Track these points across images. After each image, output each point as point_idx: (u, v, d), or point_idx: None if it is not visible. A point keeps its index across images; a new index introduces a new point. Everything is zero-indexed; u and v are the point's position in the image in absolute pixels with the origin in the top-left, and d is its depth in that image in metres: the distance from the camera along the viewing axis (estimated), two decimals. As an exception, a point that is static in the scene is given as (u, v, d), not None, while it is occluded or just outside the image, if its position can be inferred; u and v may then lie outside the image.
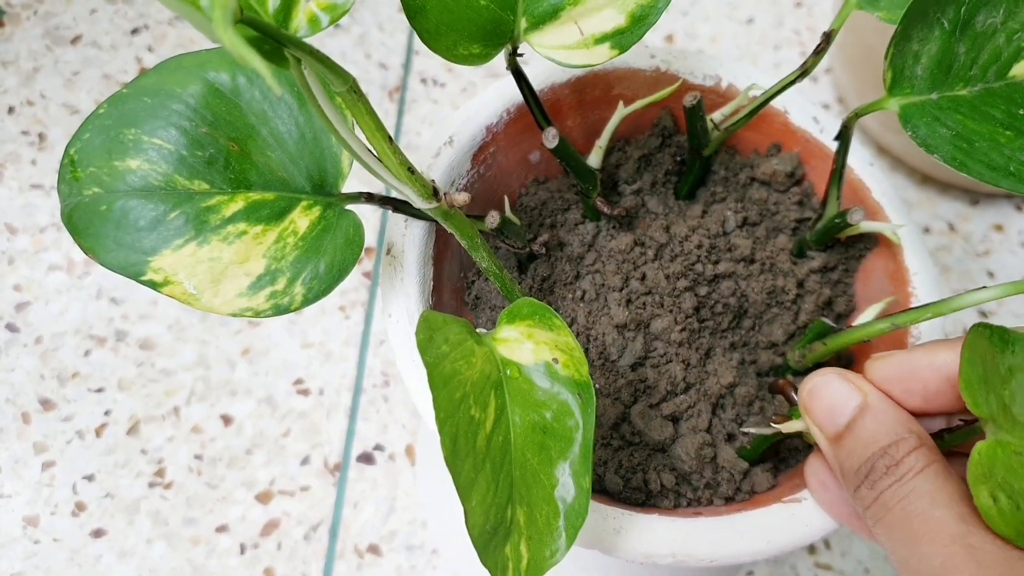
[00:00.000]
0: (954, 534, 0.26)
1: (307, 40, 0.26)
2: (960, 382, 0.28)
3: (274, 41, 0.25)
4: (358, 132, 0.31)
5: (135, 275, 0.32)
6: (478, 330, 0.32)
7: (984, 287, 0.32)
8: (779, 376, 0.41)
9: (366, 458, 0.59)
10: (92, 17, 0.75)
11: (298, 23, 0.28)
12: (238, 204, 0.34)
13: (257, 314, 0.33)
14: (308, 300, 0.34)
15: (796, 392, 0.38)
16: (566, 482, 0.30)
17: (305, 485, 0.58)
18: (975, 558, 0.25)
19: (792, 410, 0.38)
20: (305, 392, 0.61)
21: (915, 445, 0.29)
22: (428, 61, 0.75)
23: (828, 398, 0.32)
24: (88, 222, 0.33)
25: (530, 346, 0.32)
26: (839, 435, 0.32)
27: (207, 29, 0.21)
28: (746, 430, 0.39)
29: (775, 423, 0.37)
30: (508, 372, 0.31)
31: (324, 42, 0.75)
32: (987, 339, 0.30)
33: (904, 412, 0.31)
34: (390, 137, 0.30)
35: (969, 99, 0.36)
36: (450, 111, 0.73)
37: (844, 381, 0.32)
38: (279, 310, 0.33)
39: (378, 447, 0.60)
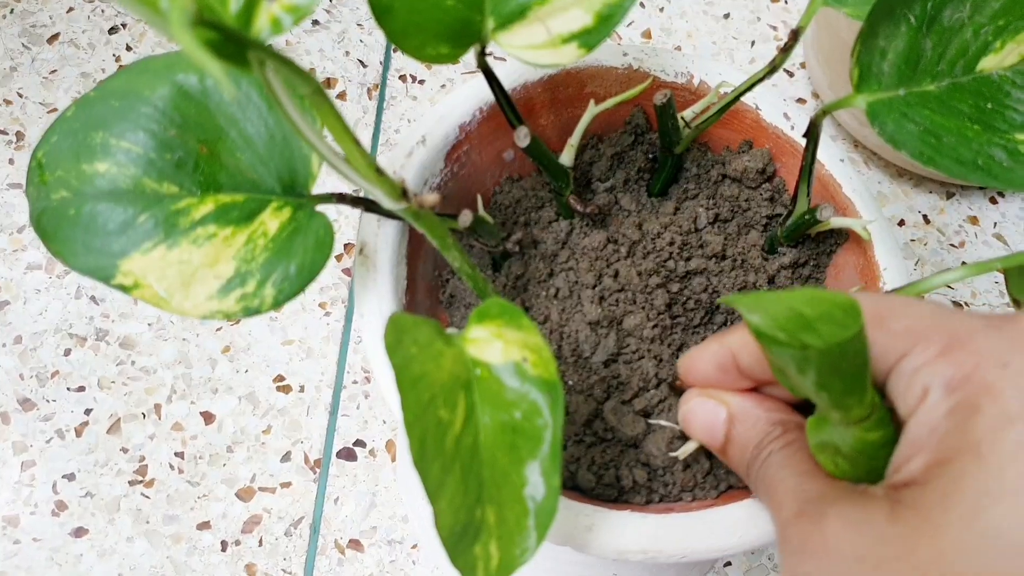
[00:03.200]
0: (789, 487, 0.30)
1: (272, 41, 0.26)
2: (772, 371, 0.31)
3: (236, 43, 0.25)
4: (327, 133, 0.31)
5: (105, 279, 0.32)
6: (449, 330, 0.32)
7: (948, 270, 0.32)
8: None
9: (347, 454, 0.60)
10: (69, 16, 0.74)
11: (260, 25, 0.28)
12: (208, 206, 0.34)
13: (228, 316, 0.33)
14: (279, 302, 0.34)
15: None
16: (536, 481, 0.30)
17: (286, 481, 0.58)
18: (799, 497, 0.29)
19: None
20: (286, 389, 0.61)
21: (776, 435, 0.32)
22: (407, 59, 0.75)
23: (700, 419, 0.34)
24: (57, 226, 0.33)
25: (499, 346, 0.32)
26: (723, 448, 0.34)
27: (166, 31, 0.21)
28: (653, 422, 0.39)
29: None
30: (478, 372, 0.31)
31: (303, 39, 0.75)
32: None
33: (765, 406, 0.33)
34: (356, 139, 0.30)
35: (937, 94, 0.37)
36: (429, 108, 0.73)
37: (707, 399, 0.34)
38: (249, 312, 0.33)
39: (359, 443, 0.60)
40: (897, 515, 0.26)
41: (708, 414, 0.34)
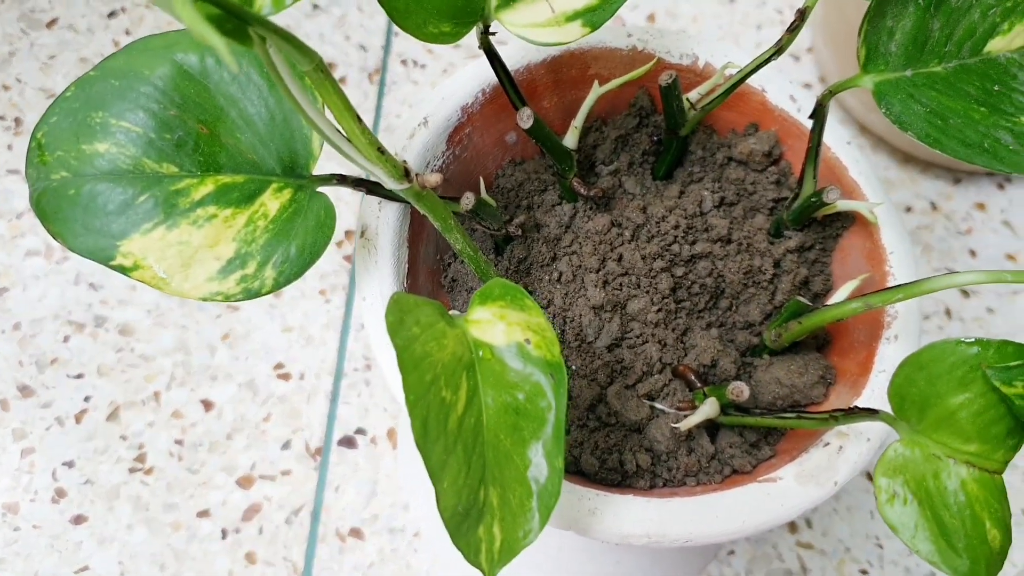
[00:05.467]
0: None
1: (275, 19, 0.26)
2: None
3: (237, 19, 0.25)
4: (328, 113, 0.30)
5: (104, 260, 0.32)
6: (451, 312, 0.32)
7: (956, 272, 0.32)
8: (756, 356, 0.41)
9: (347, 442, 0.59)
10: (68, 0, 0.74)
11: (262, 1, 0.28)
12: (208, 187, 0.33)
13: (228, 298, 0.33)
14: (279, 284, 0.33)
15: (697, 378, 0.38)
16: (539, 463, 0.30)
17: (286, 469, 0.58)
18: None
19: (696, 394, 0.38)
20: (286, 376, 0.61)
21: None
22: (408, 42, 0.75)
23: None
24: (56, 207, 0.32)
25: (502, 327, 0.31)
26: None
27: (167, 6, 0.21)
28: (657, 406, 0.39)
29: (681, 409, 0.37)
30: (480, 353, 0.31)
31: (302, 23, 0.74)
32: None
33: None
34: (358, 117, 0.29)
35: (944, 75, 0.36)
36: (430, 92, 0.72)
37: None
38: (250, 294, 0.33)
39: (359, 431, 0.60)
40: None
41: None
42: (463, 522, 0.29)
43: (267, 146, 0.35)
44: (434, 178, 0.33)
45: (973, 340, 0.31)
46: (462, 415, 0.29)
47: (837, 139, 0.43)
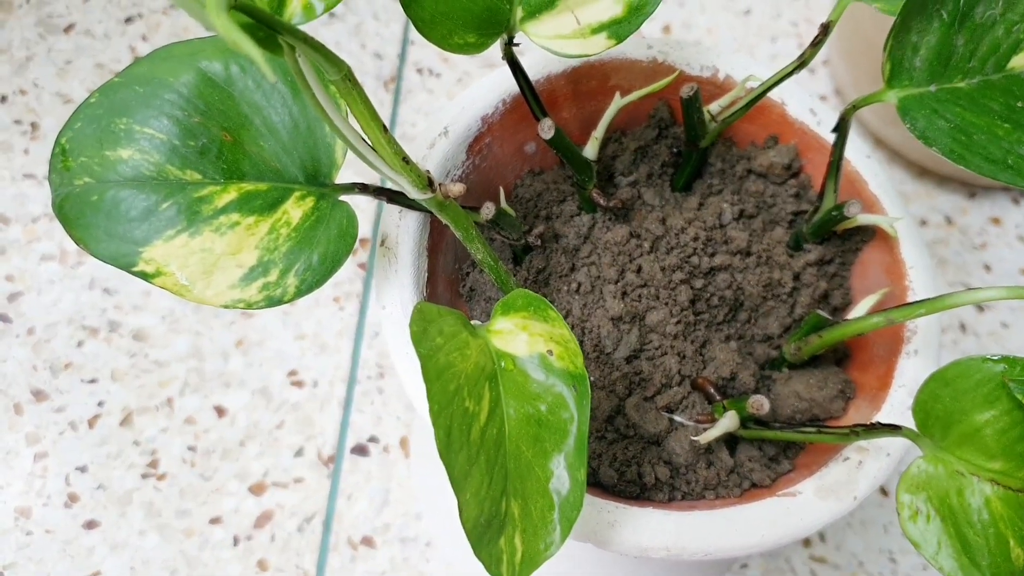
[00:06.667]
0: None
1: (301, 28, 0.26)
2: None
3: (268, 28, 0.25)
4: (352, 121, 0.30)
5: (126, 266, 0.32)
6: (472, 322, 0.32)
7: (978, 288, 0.32)
8: (775, 369, 0.41)
9: (360, 450, 0.59)
10: (86, 5, 0.74)
11: (292, 10, 0.28)
12: (231, 195, 0.33)
13: (249, 306, 0.33)
14: (301, 292, 0.33)
15: (716, 391, 0.38)
16: (561, 475, 0.30)
17: (299, 477, 0.58)
18: None
19: (715, 407, 0.38)
20: (299, 384, 0.61)
21: None
22: (424, 51, 0.75)
23: None
24: (79, 212, 0.32)
25: (525, 338, 0.31)
26: None
27: (200, 15, 0.21)
28: (676, 419, 0.39)
29: (700, 422, 0.37)
30: (503, 364, 0.31)
31: (319, 31, 0.75)
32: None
33: None
34: (385, 126, 0.29)
35: (967, 91, 0.36)
36: (446, 101, 0.72)
37: None
38: (272, 302, 0.33)
39: (372, 439, 0.60)
40: None
41: None
42: (485, 533, 0.28)
43: (290, 154, 0.35)
44: (457, 188, 0.33)
45: (999, 357, 0.31)
46: (484, 425, 0.29)
47: (857, 152, 0.43)
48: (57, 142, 0.33)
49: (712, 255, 0.41)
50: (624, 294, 0.40)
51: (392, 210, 0.39)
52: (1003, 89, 0.36)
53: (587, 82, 0.44)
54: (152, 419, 0.59)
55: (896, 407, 0.38)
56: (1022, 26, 0.36)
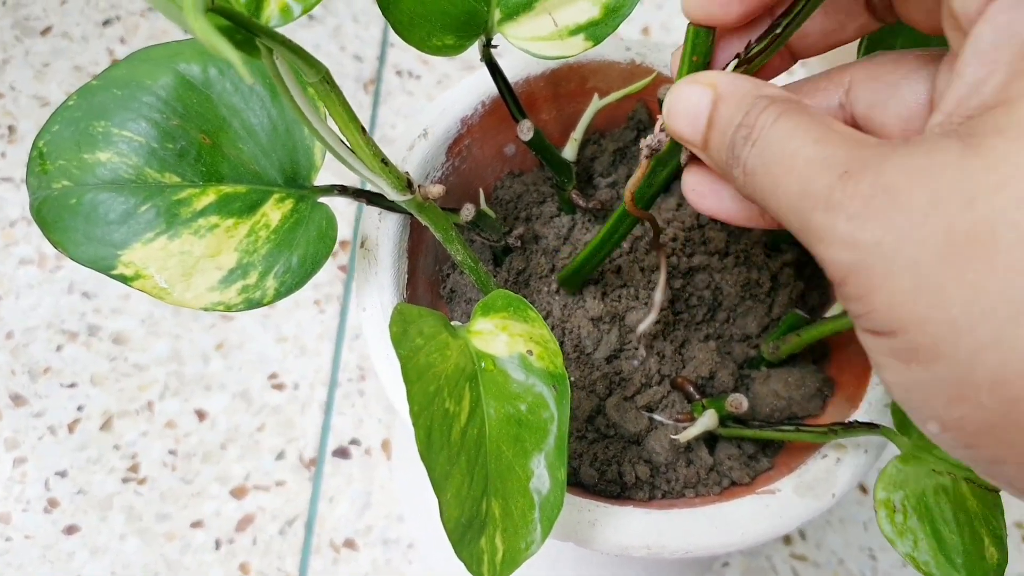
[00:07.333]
0: (809, 156, 0.24)
1: (279, 30, 0.26)
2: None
3: (246, 30, 0.25)
4: (331, 123, 0.30)
5: (105, 269, 0.32)
6: (453, 323, 0.32)
7: None
8: (754, 368, 0.42)
9: (342, 453, 0.59)
10: (63, 8, 0.74)
11: (270, 12, 0.28)
12: (209, 197, 0.33)
13: (229, 308, 0.33)
14: (280, 294, 0.33)
15: (695, 390, 0.39)
16: (541, 474, 0.30)
17: (280, 480, 0.58)
18: (832, 162, 0.23)
19: (694, 406, 0.38)
20: (280, 387, 0.61)
21: (765, 105, 0.26)
22: (403, 54, 0.75)
23: (683, 108, 0.28)
24: (57, 216, 0.32)
25: (504, 338, 0.32)
26: (704, 140, 0.28)
27: (178, 18, 0.21)
28: (656, 418, 0.39)
29: (679, 421, 0.37)
30: (483, 365, 0.31)
31: (297, 34, 0.74)
32: None
33: (753, 82, 0.27)
34: (363, 128, 0.30)
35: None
36: (425, 103, 0.73)
37: (692, 84, 0.28)
38: (251, 304, 0.33)
39: (354, 442, 0.60)
40: (974, 149, 0.21)
41: (691, 99, 0.28)
42: (466, 533, 0.29)
43: (269, 156, 0.35)
44: (437, 189, 0.33)
45: None
46: (465, 426, 0.29)
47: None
48: (35, 145, 0.33)
49: (691, 255, 0.42)
50: (604, 295, 0.40)
51: (372, 212, 0.39)
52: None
53: (566, 84, 0.44)
54: (132, 423, 0.59)
55: (874, 405, 0.38)
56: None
